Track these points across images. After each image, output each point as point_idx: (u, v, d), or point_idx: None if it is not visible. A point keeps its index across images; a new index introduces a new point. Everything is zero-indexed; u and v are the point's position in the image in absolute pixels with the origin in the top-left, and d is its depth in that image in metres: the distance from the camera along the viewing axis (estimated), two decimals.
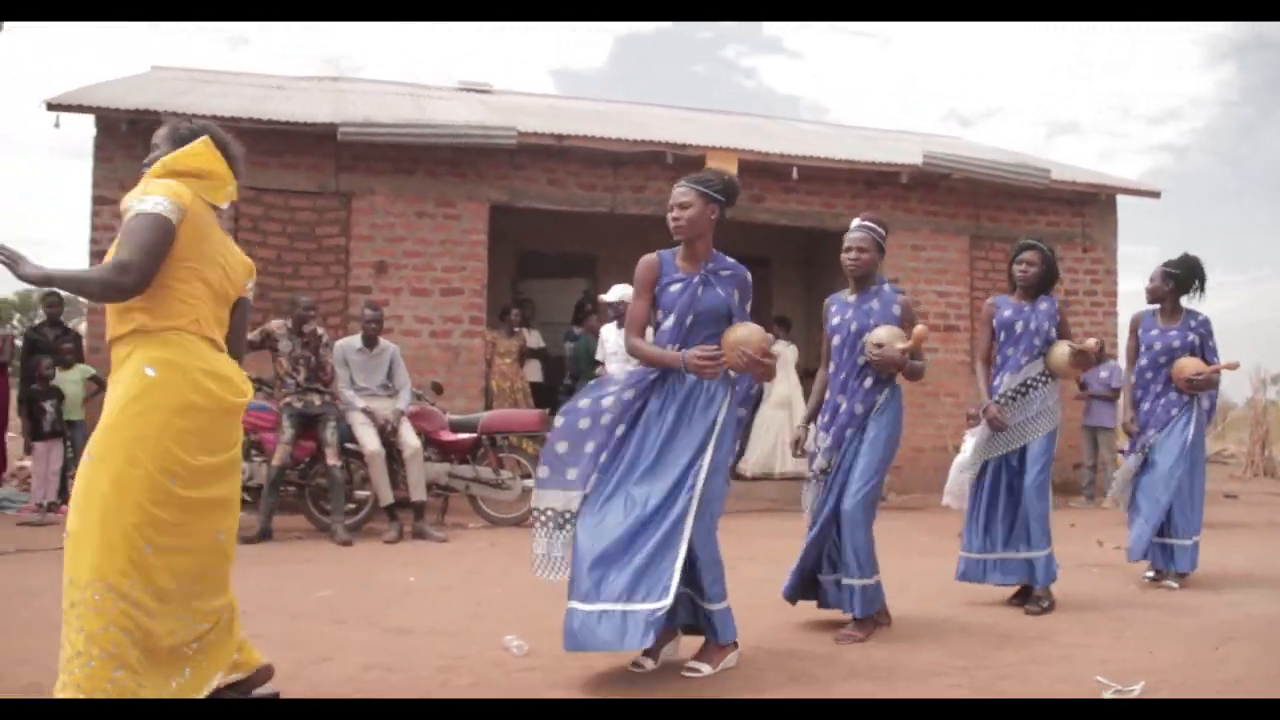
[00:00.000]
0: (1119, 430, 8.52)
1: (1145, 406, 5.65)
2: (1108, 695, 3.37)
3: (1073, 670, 3.70)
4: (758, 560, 5.82)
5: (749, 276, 3.83)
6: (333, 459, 6.96)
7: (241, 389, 2.84)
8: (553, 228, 11.04)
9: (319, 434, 7.02)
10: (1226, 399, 17.55)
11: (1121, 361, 7.49)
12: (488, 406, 9.25)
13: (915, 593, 5.09)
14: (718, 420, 3.59)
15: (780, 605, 4.45)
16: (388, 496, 7.07)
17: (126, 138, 8.60)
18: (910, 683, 3.53)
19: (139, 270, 2.61)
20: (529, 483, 7.08)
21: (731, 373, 3.66)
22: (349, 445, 7.11)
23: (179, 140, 2.88)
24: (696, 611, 3.66)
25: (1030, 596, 4.84)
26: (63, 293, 7.06)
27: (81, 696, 2.49)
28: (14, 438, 10.05)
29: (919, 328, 4.18)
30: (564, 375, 10.14)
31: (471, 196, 9.57)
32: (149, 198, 2.68)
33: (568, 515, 3.54)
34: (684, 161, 9.53)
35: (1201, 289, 5.60)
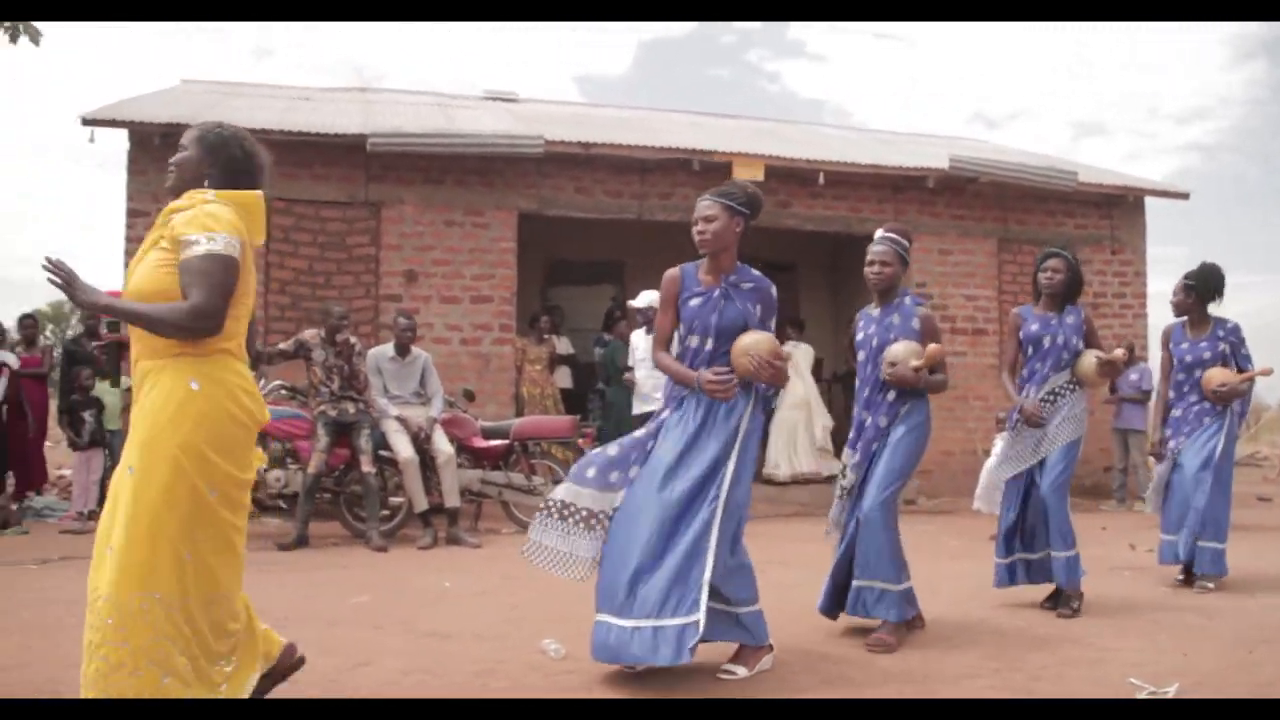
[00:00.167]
0: (1150, 432, 8.49)
1: (1178, 413, 5.67)
2: (1142, 696, 3.38)
3: (1106, 673, 3.70)
4: (789, 565, 5.84)
5: (773, 290, 3.81)
6: (367, 466, 7.06)
7: (265, 410, 2.88)
8: (581, 235, 11.12)
9: (353, 442, 7.12)
10: (1260, 401, 17.37)
11: (1153, 364, 7.47)
12: (518, 413, 9.30)
13: (946, 596, 5.10)
14: (740, 429, 3.62)
15: (812, 610, 4.46)
16: (422, 503, 7.15)
17: (159, 151, 8.72)
18: (944, 685, 3.55)
19: (218, 316, 2.63)
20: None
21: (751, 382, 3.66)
22: (383, 453, 7.21)
23: (208, 144, 2.82)
24: (728, 619, 3.66)
25: (1061, 599, 4.85)
26: None
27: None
28: (51, 446, 10.22)
29: (932, 346, 4.18)
30: (593, 381, 10.21)
31: (500, 205, 9.65)
32: (219, 236, 2.64)
33: (603, 516, 3.57)
34: (710, 167, 9.59)
35: (1219, 295, 5.61)
